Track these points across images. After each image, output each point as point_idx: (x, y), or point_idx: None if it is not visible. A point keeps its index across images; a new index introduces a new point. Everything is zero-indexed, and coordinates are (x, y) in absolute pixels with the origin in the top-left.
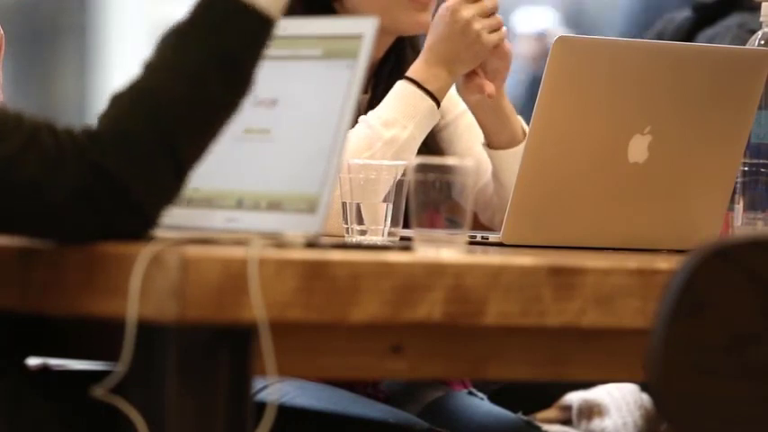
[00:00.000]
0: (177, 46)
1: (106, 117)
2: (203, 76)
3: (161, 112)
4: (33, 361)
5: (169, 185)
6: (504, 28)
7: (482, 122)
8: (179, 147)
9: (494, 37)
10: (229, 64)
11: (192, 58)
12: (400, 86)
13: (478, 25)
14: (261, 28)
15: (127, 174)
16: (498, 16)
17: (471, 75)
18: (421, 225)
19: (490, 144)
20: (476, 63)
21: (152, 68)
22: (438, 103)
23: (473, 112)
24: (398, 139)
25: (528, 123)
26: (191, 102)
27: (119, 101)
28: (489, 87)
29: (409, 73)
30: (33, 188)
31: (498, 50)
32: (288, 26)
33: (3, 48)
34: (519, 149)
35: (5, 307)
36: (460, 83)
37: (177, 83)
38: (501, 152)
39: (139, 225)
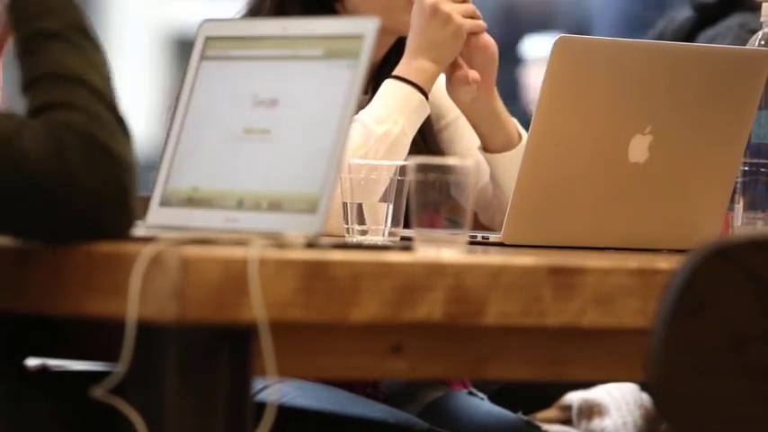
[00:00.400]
0: (36, 44)
1: (52, 107)
2: (76, 43)
3: (85, 81)
4: (32, 362)
5: (127, 137)
6: (480, 21)
7: (476, 126)
8: (113, 102)
9: (469, 21)
10: (76, 27)
11: (55, 40)
12: (387, 85)
13: (447, 7)
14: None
15: (111, 139)
16: (471, 5)
17: (455, 67)
18: (421, 225)
19: (486, 148)
20: (456, 46)
21: (39, 69)
22: (426, 96)
23: (466, 116)
24: (391, 135)
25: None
26: (92, 66)
27: (52, 96)
28: (473, 74)
29: (395, 72)
30: (33, 164)
31: (478, 42)
32: (288, 26)
33: (4, 49)
34: (515, 152)
35: (4, 307)
36: (447, 81)
37: (68, 60)
38: (497, 156)
39: (134, 177)
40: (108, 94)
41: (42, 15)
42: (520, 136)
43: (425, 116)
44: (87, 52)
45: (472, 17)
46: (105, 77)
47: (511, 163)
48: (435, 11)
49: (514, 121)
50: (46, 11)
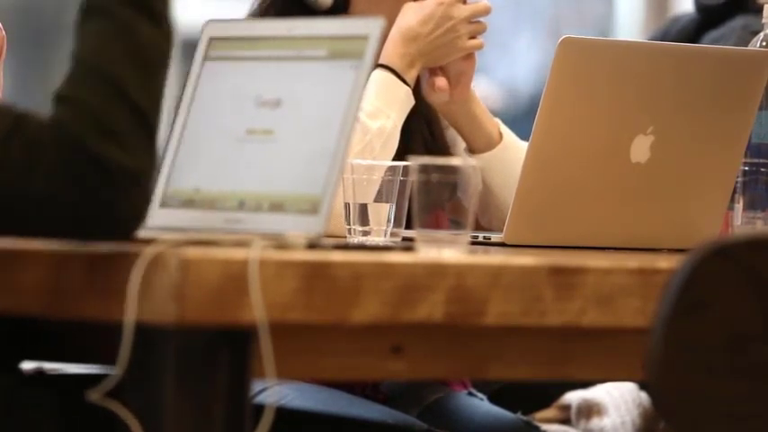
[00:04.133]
0: (92, 18)
1: (60, 101)
2: (128, 27)
3: (106, 73)
4: (28, 365)
5: (142, 139)
6: (481, 41)
7: (455, 127)
8: (136, 97)
9: (472, 43)
10: (147, 9)
11: (113, 18)
12: (379, 76)
13: (464, 29)
14: None
15: (104, 144)
16: (484, 21)
17: (429, 71)
18: (424, 226)
19: (469, 149)
20: (442, 62)
21: (80, 47)
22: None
23: (444, 117)
24: (385, 129)
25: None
26: (127, 53)
27: (67, 87)
28: (441, 82)
29: (386, 60)
30: (19, 173)
31: (468, 56)
32: (293, 26)
33: (4, 49)
34: (495, 152)
35: (1, 310)
36: (421, 82)
37: (108, 44)
38: (479, 156)
39: (132, 188)
40: (133, 90)
41: None
42: (501, 135)
43: (411, 107)
44: (135, 37)
45: (479, 33)
46: (146, 67)
47: (494, 162)
48: (454, 27)
49: (497, 121)
50: None
